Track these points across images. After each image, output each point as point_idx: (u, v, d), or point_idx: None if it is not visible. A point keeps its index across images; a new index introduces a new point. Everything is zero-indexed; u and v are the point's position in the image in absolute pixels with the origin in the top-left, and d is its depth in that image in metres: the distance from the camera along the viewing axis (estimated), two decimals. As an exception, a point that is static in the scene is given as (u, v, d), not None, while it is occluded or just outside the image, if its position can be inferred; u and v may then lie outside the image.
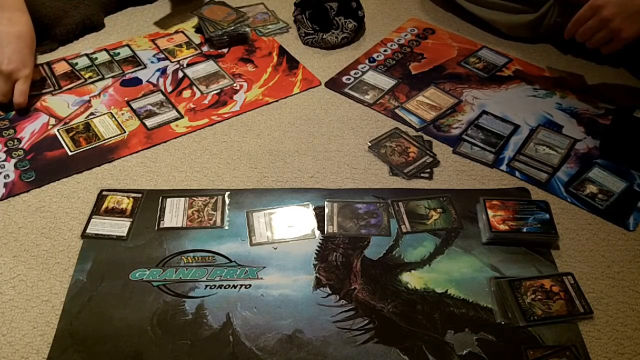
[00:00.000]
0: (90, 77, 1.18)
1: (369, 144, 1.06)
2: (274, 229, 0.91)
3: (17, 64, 1.05)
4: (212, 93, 1.16)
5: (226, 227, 0.91)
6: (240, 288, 0.83)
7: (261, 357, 0.76)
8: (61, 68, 1.19)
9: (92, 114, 1.10)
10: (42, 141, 1.04)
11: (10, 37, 1.05)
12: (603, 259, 0.89)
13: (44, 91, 1.14)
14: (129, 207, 0.93)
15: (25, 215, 0.93)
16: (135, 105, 1.12)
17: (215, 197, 0.95)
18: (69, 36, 1.26)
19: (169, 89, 1.17)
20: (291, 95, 1.17)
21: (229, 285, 0.84)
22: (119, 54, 1.24)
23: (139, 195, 0.95)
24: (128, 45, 1.27)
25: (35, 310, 0.81)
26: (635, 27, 1.06)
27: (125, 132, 1.07)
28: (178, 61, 1.23)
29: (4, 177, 0.98)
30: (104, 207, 0.94)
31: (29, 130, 1.06)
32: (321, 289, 0.84)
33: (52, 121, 1.08)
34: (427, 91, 1.18)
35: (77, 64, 1.21)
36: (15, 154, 1.02)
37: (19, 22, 1.07)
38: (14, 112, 1.10)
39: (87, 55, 1.23)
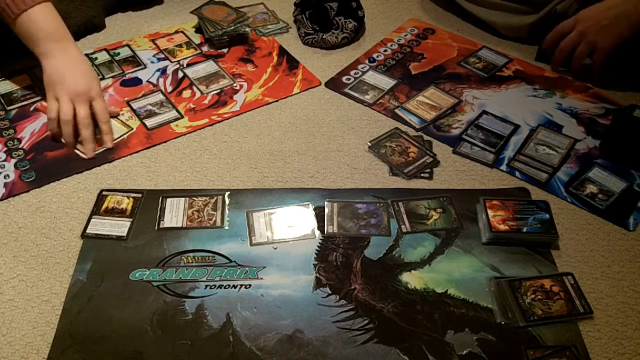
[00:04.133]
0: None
1: (369, 144, 1.06)
2: (274, 229, 0.91)
3: (87, 85, 1.04)
4: (212, 93, 1.16)
5: (226, 227, 0.91)
6: (240, 288, 0.83)
7: (261, 357, 0.76)
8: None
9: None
10: (42, 141, 1.04)
11: (71, 63, 1.05)
12: (603, 259, 0.89)
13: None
14: (129, 207, 0.93)
15: (25, 215, 0.93)
16: (135, 105, 1.12)
17: (215, 197, 0.95)
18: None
19: (169, 89, 1.17)
20: (291, 95, 1.17)
21: (229, 285, 0.84)
22: (119, 54, 1.24)
23: (139, 195, 0.95)
24: (128, 45, 1.27)
25: (35, 310, 0.81)
26: (609, 39, 1.10)
27: (132, 128, 1.07)
28: (178, 61, 1.23)
29: (4, 177, 0.98)
30: (104, 207, 0.94)
31: (29, 130, 1.06)
32: (321, 289, 0.84)
33: (52, 121, 1.08)
34: (427, 91, 1.18)
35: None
36: (15, 154, 1.02)
37: (72, 50, 1.07)
38: (14, 112, 1.10)
39: (87, 55, 1.23)
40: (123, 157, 1.03)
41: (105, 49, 1.25)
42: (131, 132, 1.06)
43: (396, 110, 1.13)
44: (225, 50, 1.27)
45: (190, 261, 0.86)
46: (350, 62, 1.25)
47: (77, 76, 1.04)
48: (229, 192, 0.96)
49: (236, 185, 0.98)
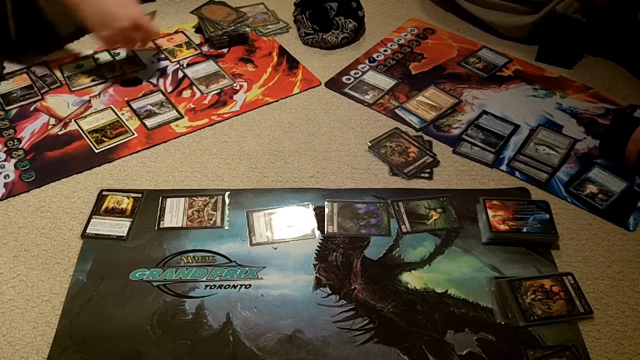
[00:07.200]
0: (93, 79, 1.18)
1: (369, 144, 1.06)
2: (274, 229, 0.91)
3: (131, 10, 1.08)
4: (212, 93, 1.16)
5: (226, 227, 0.91)
6: (240, 288, 0.83)
7: (261, 357, 0.76)
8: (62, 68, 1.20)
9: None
10: (42, 141, 1.04)
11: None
12: (603, 259, 0.89)
13: (42, 91, 1.14)
14: (129, 207, 0.93)
15: (25, 215, 0.93)
16: (135, 105, 1.12)
17: (215, 197, 0.95)
18: (71, 36, 1.26)
19: (169, 89, 1.17)
20: (291, 95, 1.17)
21: (229, 285, 0.84)
22: (119, 54, 1.24)
23: (139, 195, 0.95)
24: (128, 45, 1.27)
25: (35, 310, 0.81)
26: None
27: (134, 134, 1.06)
28: (178, 61, 1.23)
29: (4, 177, 0.98)
30: (104, 207, 0.94)
31: (29, 130, 1.06)
32: (321, 289, 0.84)
33: (52, 121, 1.08)
34: (427, 91, 1.18)
35: (82, 65, 1.21)
36: (15, 154, 1.02)
37: None
38: (14, 112, 1.10)
39: (87, 55, 1.23)
40: (123, 157, 1.03)
41: (106, 49, 1.25)
42: (133, 137, 1.06)
43: (396, 110, 1.13)
44: (225, 50, 1.27)
45: (190, 261, 0.86)
46: (350, 62, 1.25)
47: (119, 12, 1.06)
48: (229, 192, 0.96)
49: (236, 185, 0.98)
